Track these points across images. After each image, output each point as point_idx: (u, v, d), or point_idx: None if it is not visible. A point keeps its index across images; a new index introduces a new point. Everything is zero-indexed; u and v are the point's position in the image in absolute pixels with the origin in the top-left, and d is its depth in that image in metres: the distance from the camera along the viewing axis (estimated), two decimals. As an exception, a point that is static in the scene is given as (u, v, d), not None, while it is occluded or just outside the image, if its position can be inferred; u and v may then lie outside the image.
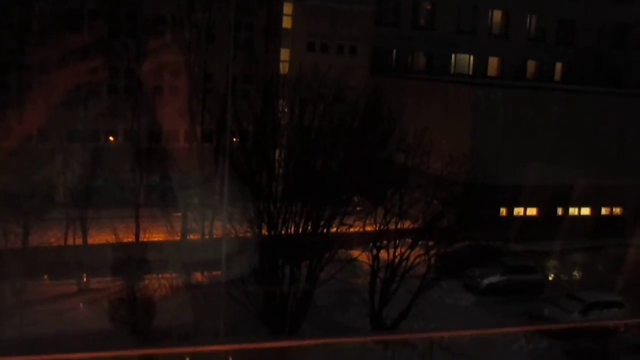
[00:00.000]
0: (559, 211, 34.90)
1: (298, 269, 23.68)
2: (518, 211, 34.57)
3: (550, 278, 31.40)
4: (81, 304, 25.14)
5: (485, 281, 28.38)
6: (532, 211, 34.79)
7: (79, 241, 28.34)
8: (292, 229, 23.69)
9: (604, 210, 36.40)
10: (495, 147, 32.94)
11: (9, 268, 24.60)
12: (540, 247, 31.64)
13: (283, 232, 23.61)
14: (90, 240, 28.50)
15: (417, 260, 24.14)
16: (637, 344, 24.42)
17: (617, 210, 36.48)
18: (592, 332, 25.15)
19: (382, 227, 24.70)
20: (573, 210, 35.28)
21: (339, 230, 24.08)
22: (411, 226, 25.66)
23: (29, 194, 26.28)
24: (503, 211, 34.10)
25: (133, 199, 29.03)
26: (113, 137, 33.95)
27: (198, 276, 26.60)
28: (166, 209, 29.09)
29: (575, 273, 32.56)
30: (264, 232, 23.88)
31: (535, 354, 24.09)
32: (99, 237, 28.39)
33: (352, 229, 24.77)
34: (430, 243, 24.86)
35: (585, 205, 35.40)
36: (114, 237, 26.61)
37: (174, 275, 25.63)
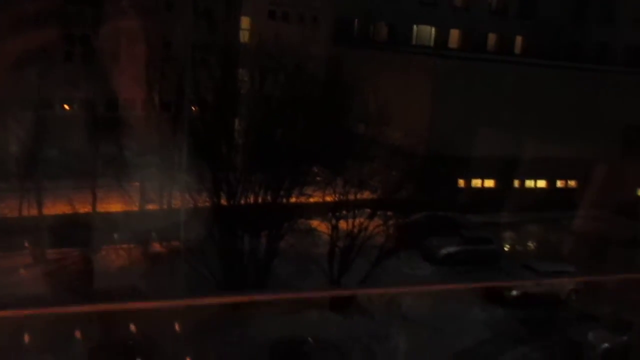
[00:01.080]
0: (516, 183, 35.46)
1: (257, 239, 23.73)
2: (476, 182, 35.03)
3: (506, 249, 32.00)
4: (35, 276, 24.76)
5: (443, 251, 28.74)
6: (489, 183, 35.28)
7: (34, 212, 27.82)
8: (252, 198, 23.67)
9: (560, 183, 37.10)
10: (454, 119, 33.20)
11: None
12: (497, 219, 32.16)
13: (242, 201, 23.57)
14: (45, 211, 27.99)
15: (376, 230, 24.37)
16: (586, 313, 25.14)
17: (572, 183, 37.21)
18: (544, 301, 25.85)
19: (341, 197, 24.81)
20: (529, 182, 35.90)
21: (298, 200, 24.13)
22: (370, 196, 25.83)
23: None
24: (461, 182, 34.51)
25: (89, 168, 28.56)
26: (68, 105, 33.26)
27: (156, 246, 26.41)
28: (123, 179, 28.72)
29: (530, 244, 33.22)
30: (223, 202, 23.81)
31: (490, 322, 24.64)
32: (55, 207, 27.91)
33: (311, 199, 24.84)
34: (389, 213, 25.08)
35: (541, 178, 36.03)
36: (70, 207, 26.21)
37: (132, 245, 25.43)
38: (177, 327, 18.02)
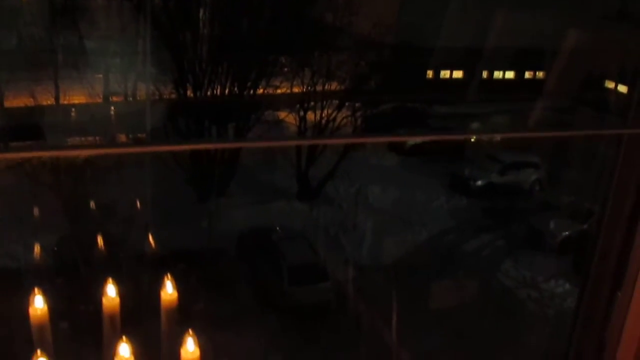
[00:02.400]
0: (484, 74, 35.36)
1: (224, 131, 23.60)
2: (444, 73, 34.86)
3: (472, 139, 32.26)
4: None
5: (410, 142, 28.94)
6: (458, 74, 35.14)
7: (-5, 105, 27.21)
8: (218, 90, 23.36)
9: (527, 74, 37.10)
10: (424, 8, 32.54)
11: None
12: (465, 110, 32.24)
13: (209, 93, 23.27)
14: (7, 104, 27.36)
15: (344, 121, 24.39)
16: (549, 202, 25.85)
17: (539, 74, 37.21)
18: (508, 191, 26.48)
19: (309, 88, 24.62)
20: (498, 74, 35.84)
21: (265, 91, 23.90)
22: (338, 87, 25.65)
23: None
24: (429, 73, 34.31)
25: (50, 60, 27.72)
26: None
27: (122, 139, 26.14)
28: (86, 71, 28.02)
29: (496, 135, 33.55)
30: (189, 93, 23.48)
31: (455, 212, 25.25)
32: (17, 100, 27.27)
33: (278, 90, 24.60)
34: (357, 104, 25.03)
35: (509, 69, 35.97)
36: (32, 100, 25.65)
37: (97, 138, 25.11)
38: (143, 217, 18.10)
